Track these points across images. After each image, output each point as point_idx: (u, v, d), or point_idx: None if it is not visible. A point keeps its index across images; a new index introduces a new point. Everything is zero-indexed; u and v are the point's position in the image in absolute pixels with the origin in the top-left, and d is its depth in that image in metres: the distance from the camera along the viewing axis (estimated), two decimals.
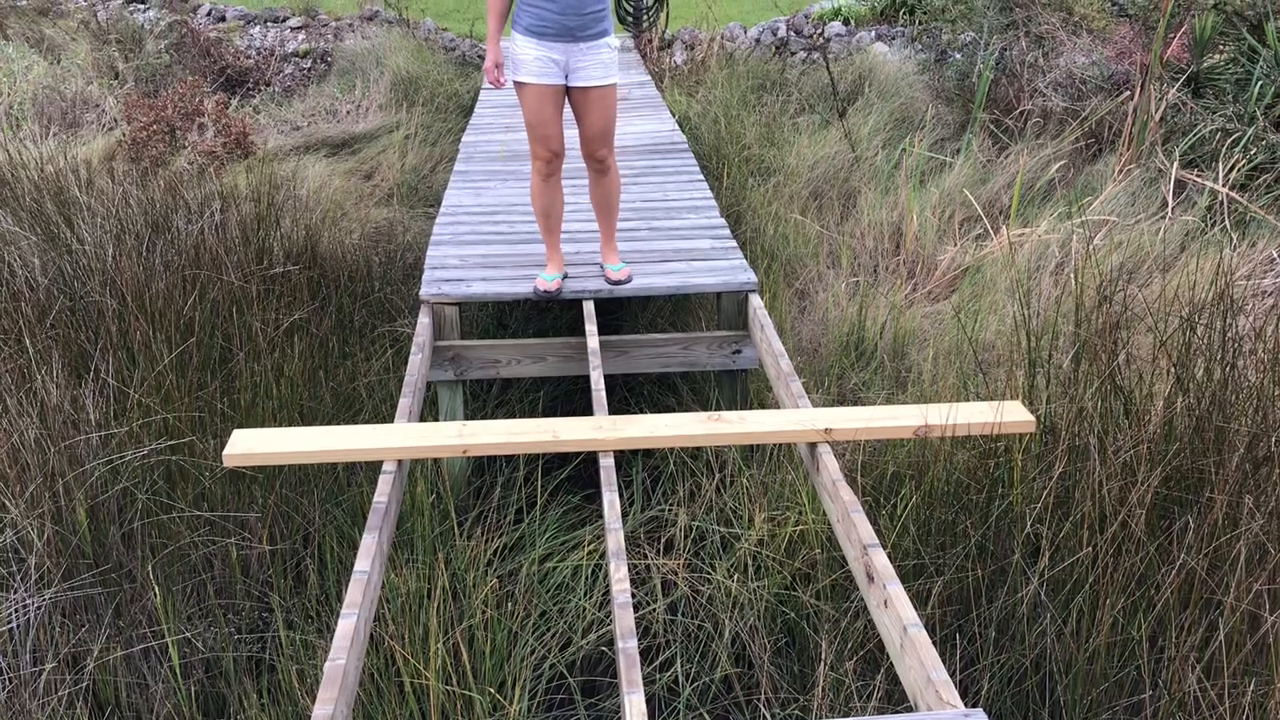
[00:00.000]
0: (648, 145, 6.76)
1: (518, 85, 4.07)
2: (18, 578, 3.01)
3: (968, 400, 3.94)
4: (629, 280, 4.45)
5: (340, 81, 10.00)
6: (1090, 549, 2.82)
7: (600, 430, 3.07)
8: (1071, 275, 4.96)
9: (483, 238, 5.04)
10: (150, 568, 3.11)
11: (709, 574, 3.46)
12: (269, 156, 7.72)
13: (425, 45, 10.57)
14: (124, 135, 7.64)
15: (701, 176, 6.10)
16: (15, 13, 11.34)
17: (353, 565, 2.60)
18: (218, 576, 3.35)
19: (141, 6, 12.44)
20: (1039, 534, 3.04)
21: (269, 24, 11.79)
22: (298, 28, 11.54)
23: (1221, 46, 7.31)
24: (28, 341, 3.84)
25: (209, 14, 12.26)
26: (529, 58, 3.99)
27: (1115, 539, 2.84)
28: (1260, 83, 6.60)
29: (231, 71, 10.15)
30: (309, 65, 10.71)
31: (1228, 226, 5.67)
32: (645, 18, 10.30)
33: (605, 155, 4.21)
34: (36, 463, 3.22)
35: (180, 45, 10.45)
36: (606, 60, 4.06)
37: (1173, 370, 3.35)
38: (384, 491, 2.83)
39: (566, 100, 4.15)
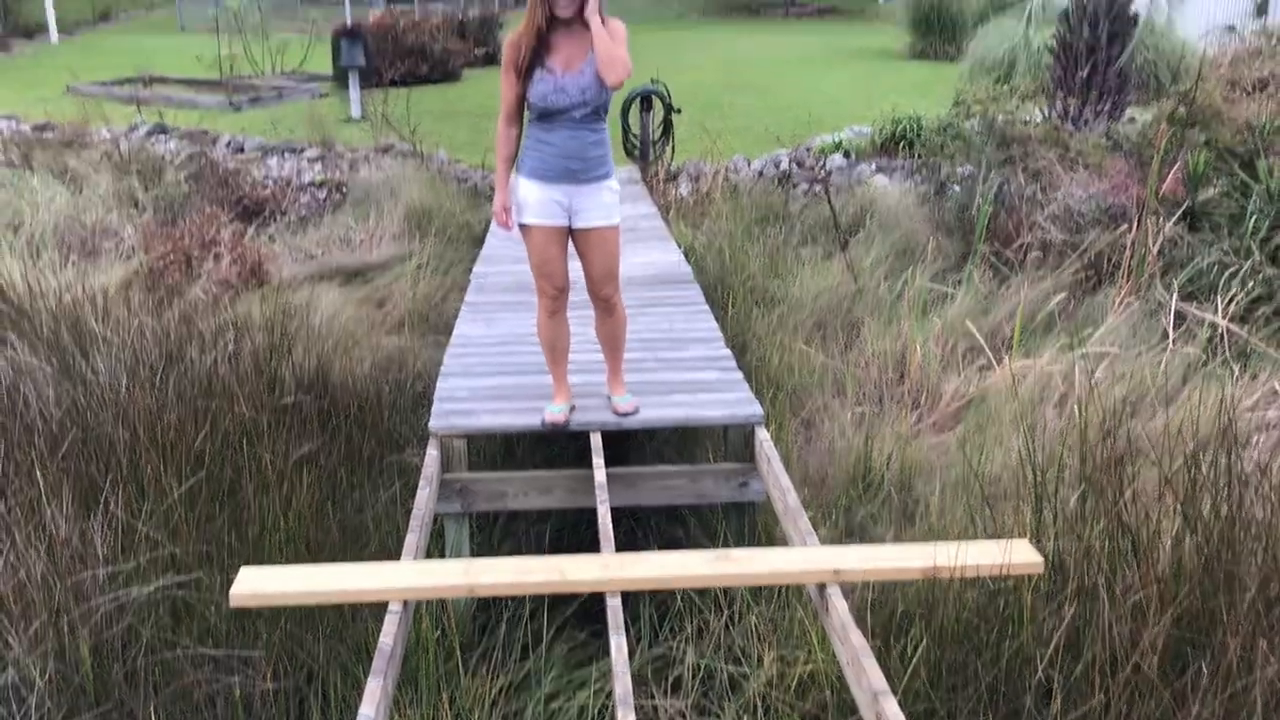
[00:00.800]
0: (654, 276, 6.88)
1: (522, 227, 4.20)
2: (18, 718, 2.97)
3: (976, 535, 3.94)
4: (636, 412, 4.49)
5: (355, 211, 10.23)
6: (1103, 695, 2.78)
7: (607, 569, 3.07)
8: (1075, 408, 4.98)
9: (492, 369, 5.10)
10: (153, 708, 3.08)
11: (718, 715, 3.41)
12: (283, 285, 7.86)
13: (439, 177, 10.84)
14: (142, 264, 7.80)
15: (707, 307, 6.19)
16: (41, 145, 11.68)
17: (357, 706, 2.58)
18: (220, 716, 3.30)
19: (163, 137, 12.81)
20: (1050, 677, 3.00)
21: (287, 155, 12.12)
22: (315, 159, 11.86)
23: (1215, 181, 7.50)
24: (39, 474, 3.87)
25: (229, 145, 12.62)
26: (533, 199, 4.13)
27: (1128, 683, 2.81)
28: (1255, 217, 6.74)
29: (249, 201, 10.39)
30: (325, 195, 10.97)
31: (1229, 359, 5.72)
32: (652, 151, 10.58)
33: (611, 294, 4.30)
34: (42, 599, 3.22)
35: (200, 175, 10.73)
36: (608, 202, 4.18)
37: (1179, 508, 3.36)
38: (389, 632, 2.82)
39: (570, 240, 4.26)
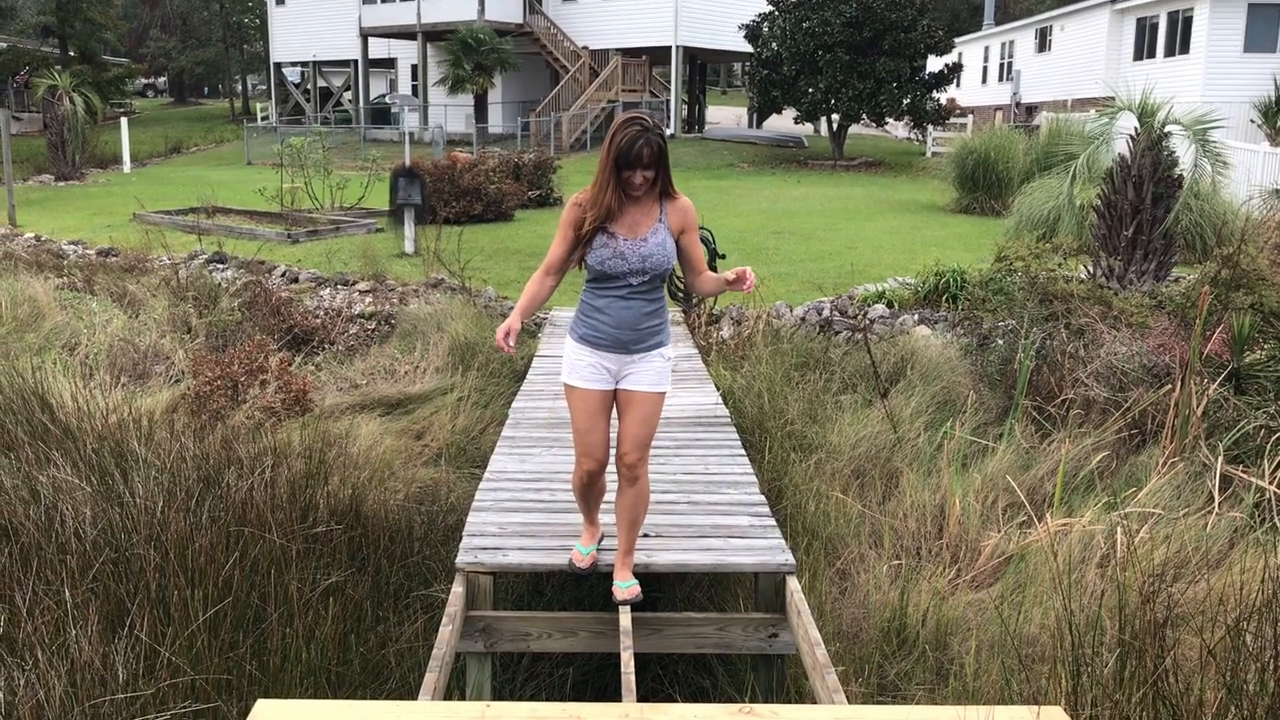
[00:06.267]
0: (691, 418, 6.89)
1: (568, 388, 4.13)
2: None
3: (1011, 698, 3.81)
4: (639, 598, 4.24)
5: (401, 343, 10.41)
6: None
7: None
8: (1116, 570, 4.87)
9: (524, 505, 5.09)
10: None
11: None
12: (325, 413, 7.96)
13: (485, 313, 11.04)
14: (189, 388, 7.95)
15: (743, 450, 6.18)
16: (104, 269, 12.08)
17: None
18: None
19: (221, 266, 13.22)
20: None
21: (339, 286, 12.43)
22: (366, 291, 12.15)
23: (1261, 344, 7.44)
24: (66, 594, 3.88)
25: (283, 275, 12.97)
26: (582, 364, 4.07)
27: None
28: None
29: (299, 329, 10.63)
30: (373, 326, 11.20)
31: (1277, 525, 5.58)
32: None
33: (636, 462, 4.12)
34: None
35: (253, 303, 11.02)
36: (659, 368, 4.08)
37: (1224, 680, 3.24)
38: None
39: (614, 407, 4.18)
